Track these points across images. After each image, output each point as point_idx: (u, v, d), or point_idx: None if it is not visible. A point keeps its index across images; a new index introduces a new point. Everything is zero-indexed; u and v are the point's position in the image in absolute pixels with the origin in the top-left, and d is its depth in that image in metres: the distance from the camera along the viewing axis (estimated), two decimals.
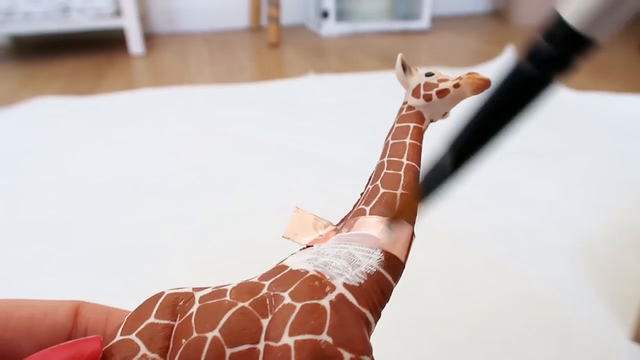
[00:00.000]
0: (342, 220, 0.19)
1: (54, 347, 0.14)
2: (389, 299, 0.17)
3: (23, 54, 1.84)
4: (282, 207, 0.75)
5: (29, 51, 1.87)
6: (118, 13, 1.71)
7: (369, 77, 1.42)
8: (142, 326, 0.16)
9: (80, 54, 1.80)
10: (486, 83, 0.19)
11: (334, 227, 0.19)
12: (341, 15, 2.08)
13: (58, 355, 0.14)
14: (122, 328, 0.16)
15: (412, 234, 0.18)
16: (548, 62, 0.13)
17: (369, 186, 0.19)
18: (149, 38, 2.06)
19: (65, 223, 0.72)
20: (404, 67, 0.21)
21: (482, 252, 0.63)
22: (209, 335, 0.15)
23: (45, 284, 0.59)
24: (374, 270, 0.17)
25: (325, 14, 2.02)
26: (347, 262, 0.17)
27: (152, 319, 0.16)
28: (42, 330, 0.16)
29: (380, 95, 1.24)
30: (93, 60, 1.70)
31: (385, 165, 0.19)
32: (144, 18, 2.05)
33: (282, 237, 0.19)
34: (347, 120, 1.10)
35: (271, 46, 1.87)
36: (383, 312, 0.17)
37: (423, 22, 2.10)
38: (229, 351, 0.15)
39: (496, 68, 1.49)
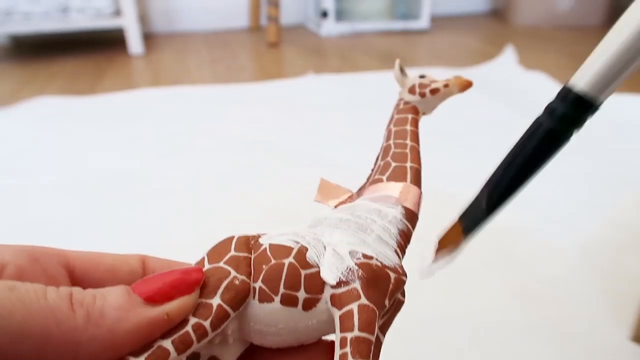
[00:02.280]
0: (361, 188, 0.24)
1: (165, 271, 0.17)
2: (408, 244, 0.22)
3: (23, 54, 1.84)
4: (283, 206, 0.75)
5: (29, 51, 1.87)
6: (117, 13, 1.71)
7: (368, 77, 1.42)
8: (227, 257, 0.19)
9: (80, 53, 1.80)
10: (470, 83, 0.24)
11: (355, 193, 0.24)
12: (341, 15, 2.08)
13: (171, 276, 0.17)
14: (208, 260, 0.19)
15: (420, 193, 0.23)
16: (564, 120, 0.16)
17: (379, 162, 0.24)
18: (149, 38, 2.06)
19: (65, 223, 0.72)
20: (402, 71, 0.26)
21: (482, 252, 0.63)
22: (286, 261, 0.18)
23: None
24: (399, 219, 0.21)
25: (324, 14, 2.02)
26: (377, 214, 0.21)
27: (233, 252, 0.19)
28: (122, 275, 0.19)
29: (379, 95, 1.23)
30: (92, 60, 1.70)
31: (392, 146, 0.24)
32: (143, 18, 2.05)
33: (314, 201, 0.24)
34: (347, 120, 1.10)
35: (271, 46, 1.87)
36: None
37: (423, 22, 2.10)
38: (303, 272, 0.18)
39: (496, 67, 1.49)
